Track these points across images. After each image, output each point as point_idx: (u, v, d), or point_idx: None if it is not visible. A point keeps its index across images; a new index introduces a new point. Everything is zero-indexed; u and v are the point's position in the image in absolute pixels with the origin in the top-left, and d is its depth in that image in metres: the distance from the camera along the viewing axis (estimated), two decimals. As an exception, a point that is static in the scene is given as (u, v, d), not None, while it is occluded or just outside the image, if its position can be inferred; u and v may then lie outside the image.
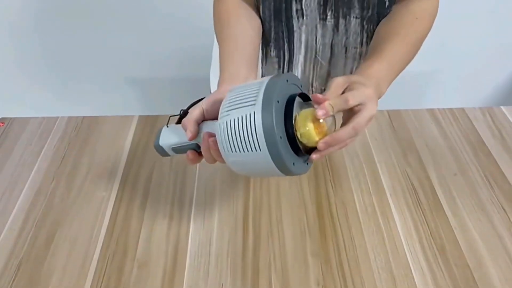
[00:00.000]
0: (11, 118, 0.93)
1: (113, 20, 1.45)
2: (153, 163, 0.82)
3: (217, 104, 0.53)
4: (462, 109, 0.94)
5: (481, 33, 1.51)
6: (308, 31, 0.74)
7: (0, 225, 0.72)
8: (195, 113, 0.56)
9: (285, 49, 0.78)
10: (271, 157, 0.47)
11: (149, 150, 0.85)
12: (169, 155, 0.62)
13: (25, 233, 0.70)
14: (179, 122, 0.61)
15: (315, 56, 0.79)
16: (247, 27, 0.69)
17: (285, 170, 0.49)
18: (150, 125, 0.91)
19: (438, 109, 0.95)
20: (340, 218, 0.72)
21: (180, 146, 0.60)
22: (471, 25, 1.49)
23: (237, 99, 0.48)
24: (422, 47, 1.48)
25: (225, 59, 0.65)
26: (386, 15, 0.73)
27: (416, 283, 0.63)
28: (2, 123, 0.92)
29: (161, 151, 0.62)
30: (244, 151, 0.47)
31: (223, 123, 0.48)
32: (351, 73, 0.82)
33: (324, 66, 0.80)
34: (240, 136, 0.47)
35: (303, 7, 0.71)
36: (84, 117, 0.94)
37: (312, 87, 0.85)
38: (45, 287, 0.63)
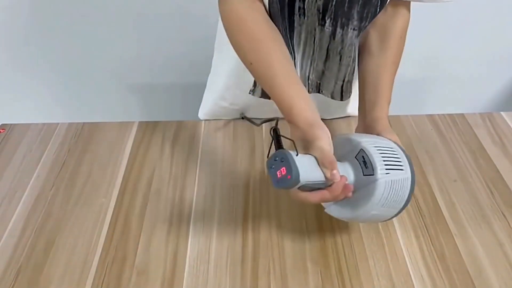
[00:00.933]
0: (11, 125, 0.94)
1: (113, 26, 1.46)
2: (152, 169, 0.83)
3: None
4: (462, 115, 0.94)
5: (481, 38, 1.51)
6: (307, 30, 0.74)
7: (-1, 232, 0.72)
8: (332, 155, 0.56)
9: (287, 44, 0.77)
10: (401, 211, 0.60)
11: (149, 156, 0.85)
12: (290, 188, 0.53)
13: (24, 239, 0.70)
14: (278, 144, 0.60)
15: (312, 54, 0.78)
16: (280, 41, 0.68)
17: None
18: (150, 131, 0.91)
19: (438, 114, 0.95)
20: (340, 224, 0.72)
21: (313, 183, 0.54)
22: (471, 30, 1.49)
23: (389, 160, 0.56)
24: (422, 53, 1.49)
25: (288, 87, 0.63)
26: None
27: (416, 290, 0.63)
28: (3, 129, 0.92)
29: (291, 184, 0.51)
30: (389, 207, 0.57)
31: (385, 181, 0.55)
32: (344, 78, 0.81)
33: (320, 65, 0.80)
34: (394, 195, 0.56)
35: (305, 6, 0.71)
36: (84, 123, 0.94)
37: (308, 80, 0.84)
38: (44, 294, 0.63)
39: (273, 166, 0.50)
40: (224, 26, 0.70)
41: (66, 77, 1.61)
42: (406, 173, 0.57)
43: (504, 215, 0.73)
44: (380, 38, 0.76)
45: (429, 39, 1.49)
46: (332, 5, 0.69)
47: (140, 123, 0.94)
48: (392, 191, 0.55)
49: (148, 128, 0.92)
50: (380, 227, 0.71)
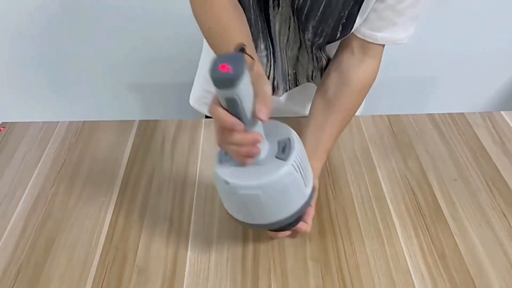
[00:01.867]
0: (11, 123, 0.94)
1: (113, 25, 1.46)
2: (153, 168, 0.83)
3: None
4: (462, 114, 0.94)
5: (481, 37, 1.51)
6: (282, 19, 0.72)
7: (0, 230, 0.72)
8: None
9: (269, 40, 0.76)
10: (272, 224, 0.56)
11: (149, 155, 0.85)
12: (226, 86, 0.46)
13: (24, 238, 0.70)
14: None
15: (287, 41, 0.77)
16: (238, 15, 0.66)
17: None
18: (150, 130, 0.91)
19: (438, 114, 0.95)
20: (340, 223, 0.72)
21: (238, 108, 0.49)
22: (471, 30, 1.49)
23: (302, 168, 0.55)
24: (422, 53, 1.49)
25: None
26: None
27: (417, 289, 0.63)
28: (3, 127, 0.92)
29: (230, 81, 0.46)
30: (272, 202, 0.54)
31: (290, 172, 0.52)
32: (312, 74, 0.82)
33: (294, 49, 0.79)
34: (287, 194, 0.55)
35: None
36: (84, 122, 0.94)
37: (288, 75, 0.84)
38: (45, 293, 0.63)
39: (221, 60, 0.46)
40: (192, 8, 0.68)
41: (67, 77, 1.61)
42: (306, 190, 0.56)
43: (504, 214, 0.73)
44: (338, 85, 0.72)
45: (429, 38, 1.50)
46: (295, 9, 0.68)
47: (141, 122, 0.94)
48: (289, 188, 0.53)
49: (149, 127, 0.92)
50: (381, 226, 0.71)
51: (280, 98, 0.89)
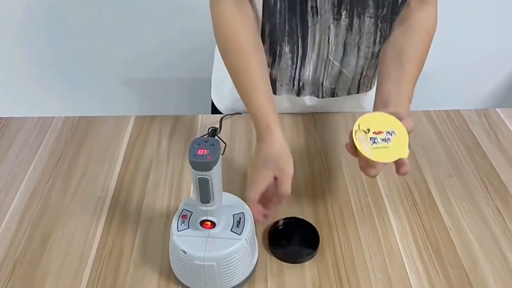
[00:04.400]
0: (7, 118, 0.93)
1: (110, 21, 1.45)
2: (150, 163, 0.82)
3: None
4: (458, 111, 0.95)
5: (477, 35, 1.52)
6: (321, 30, 0.74)
7: (-5, 225, 0.72)
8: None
9: (299, 45, 0.77)
10: None
11: (146, 151, 0.85)
12: (202, 169, 0.53)
13: (20, 233, 0.70)
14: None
15: (327, 56, 0.79)
16: (260, 56, 0.72)
17: None
18: (147, 125, 0.91)
19: (434, 111, 0.95)
20: (336, 218, 0.72)
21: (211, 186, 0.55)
22: (467, 27, 1.50)
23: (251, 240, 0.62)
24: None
25: (262, 106, 0.69)
26: (399, 13, 0.73)
27: (412, 284, 0.63)
28: (-2, 122, 0.92)
29: (206, 165, 0.53)
30: (225, 273, 0.59)
31: (244, 246, 0.59)
32: (362, 72, 0.82)
33: (335, 65, 0.80)
34: (235, 267, 0.60)
35: (317, 5, 0.71)
36: (80, 117, 0.93)
37: (322, 86, 0.85)
38: (41, 287, 0.63)
39: (199, 144, 0.53)
40: (213, 24, 0.72)
41: (63, 71, 1.61)
42: (253, 260, 0.62)
43: (498, 210, 0.73)
44: (404, 33, 0.74)
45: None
46: None
47: (137, 117, 0.93)
48: (241, 260, 0.59)
49: (145, 122, 0.92)
50: (376, 221, 0.72)
51: (305, 98, 0.90)
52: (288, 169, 0.64)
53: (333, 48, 0.77)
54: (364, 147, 0.60)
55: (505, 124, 0.92)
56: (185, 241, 0.58)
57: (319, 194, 0.76)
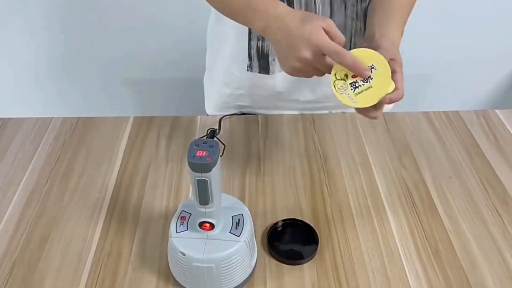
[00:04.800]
0: (5, 119, 0.93)
1: (108, 21, 1.45)
2: (148, 164, 0.82)
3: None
4: (457, 112, 0.95)
5: (476, 36, 1.52)
6: None
7: (-7, 227, 0.71)
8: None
9: None
10: None
11: (144, 152, 0.85)
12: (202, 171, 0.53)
13: (18, 234, 0.70)
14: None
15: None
16: None
17: None
18: (145, 126, 0.91)
19: (433, 112, 0.95)
20: (335, 220, 0.72)
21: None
22: (466, 28, 1.50)
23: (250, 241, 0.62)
24: (417, 51, 1.49)
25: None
26: None
27: (411, 285, 0.63)
28: (-4, 123, 0.91)
29: (206, 166, 0.52)
30: (224, 274, 0.59)
31: (243, 248, 0.59)
32: (351, 39, 0.80)
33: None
34: (234, 268, 0.59)
35: None
36: (79, 117, 0.93)
37: None
38: (39, 289, 0.63)
39: (198, 145, 0.53)
40: None
41: (62, 72, 1.60)
42: (252, 262, 0.62)
43: (497, 211, 0.73)
44: None
45: (424, 37, 1.50)
46: None
47: (135, 118, 0.93)
48: (240, 261, 0.58)
49: (144, 123, 0.92)
50: (376, 223, 0.71)
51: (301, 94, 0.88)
52: (327, 17, 0.58)
53: (320, 7, 0.75)
54: (346, 97, 0.55)
55: (504, 125, 0.92)
56: (183, 242, 0.58)
57: (318, 195, 0.76)
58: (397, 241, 0.69)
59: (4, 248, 0.68)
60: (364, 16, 0.77)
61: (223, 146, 0.81)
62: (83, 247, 0.68)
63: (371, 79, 0.55)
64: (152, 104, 1.73)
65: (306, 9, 0.77)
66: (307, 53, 0.57)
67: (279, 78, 0.88)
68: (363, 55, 0.56)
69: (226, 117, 0.92)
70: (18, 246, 0.68)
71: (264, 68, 0.84)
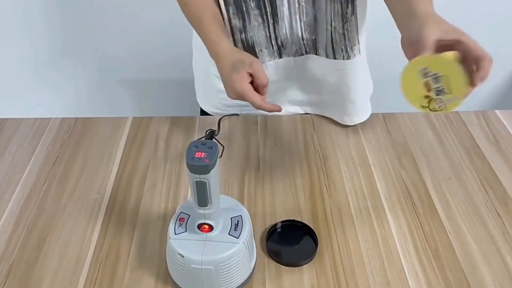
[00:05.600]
0: (3, 119, 0.92)
1: (106, 22, 1.45)
2: (146, 165, 0.82)
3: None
4: (457, 113, 0.95)
5: (476, 36, 1.51)
6: None
7: (-9, 228, 0.71)
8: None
9: (266, 0, 0.76)
10: None
11: (143, 152, 0.85)
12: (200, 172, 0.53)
13: (16, 236, 0.70)
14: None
15: (298, 3, 0.77)
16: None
17: None
18: (144, 126, 0.91)
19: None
20: (335, 221, 0.72)
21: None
22: (466, 28, 1.49)
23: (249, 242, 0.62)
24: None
25: (211, 31, 0.74)
26: None
27: (411, 287, 0.63)
28: (-6, 124, 0.91)
29: (204, 168, 0.52)
30: (224, 275, 0.59)
31: (242, 249, 0.59)
32: (331, 23, 0.79)
33: (309, 11, 0.78)
34: (234, 270, 0.60)
35: None
36: (77, 118, 0.93)
37: (303, 40, 0.82)
38: (36, 291, 0.62)
39: (197, 147, 0.53)
40: None
41: (60, 73, 1.60)
42: (251, 264, 0.62)
43: (497, 213, 0.73)
44: None
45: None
46: None
47: (134, 118, 0.93)
48: (238, 263, 0.58)
49: (142, 123, 0.92)
50: (375, 224, 0.71)
51: (292, 93, 0.89)
52: (254, 61, 0.69)
53: None
54: (451, 102, 0.53)
55: (504, 125, 0.91)
56: (182, 244, 0.58)
57: (317, 196, 0.76)
58: (396, 242, 0.69)
59: (1, 250, 0.67)
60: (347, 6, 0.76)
61: (222, 147, 0.81)
62: (81, 248, 0.68)
63: (435, 74, 0.53)
64: (151, 105, 1.72)
65: (273, 15, 0.77)
66: (233, 96, 0.70)
67: (270, 66, 0.86)
68: (426, 63, 0.54)
69: (225, 117, 0.92)
70: (16, 247, 0.68)
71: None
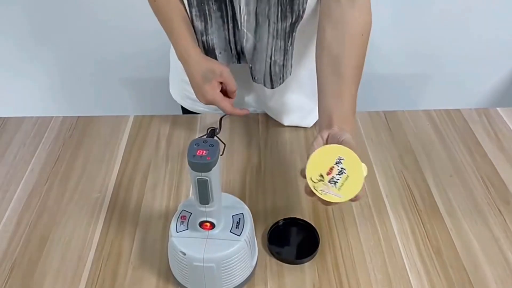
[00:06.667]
0: (5, 118, 0.93)
1: (107, 20, 1.44)
2: (148, 164, 0.82)
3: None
4: (458, 110, 0.94)
5: (477, 34, 1.51)
6: None
7: (-7, 227, 0.71)
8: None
9: (226, 1, 0.75)
10: None
11: (144, 151, 0.85)
12: (201, 170, 0.53)
13: (18, 235, 0.70)
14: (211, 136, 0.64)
15: (239, 28, 0.75)
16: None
17: None
18: (145, 125, 0.91)
19: (434, 110, 0.95)
20: (336, 219, 0.72)
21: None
22: (467, 26, 1.49)
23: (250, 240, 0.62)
24: (419, 49, 1.49)
25: (183, 37, 0.77)
26: None
27: (412, 285, 0.63)
28: (-4, 123, 0.91)
29: (205, 166, 0.52)
30: (225, 273, 0.59)
31: (243, 247, 0.59)
32: (271, 52, 0.77)
33: (249, 38, 0.77)
34: (235, 267, 0.60)
35: None
36: (79, 117, 0.93)
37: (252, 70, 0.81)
38: (39, 289, 0.62)
39: (198, 145, 0.53)
40: None
41: (61, 71, 1.60)
42: (252, 261, 0.62)
43: (499, 211, 0.73)
44: (335, 34, 0.68)
45: (424, 35, 1.49)
46: None
47: (136, 117, 0.93)
48: (240, 261, 0.58)
49: (144, 122, 0.92)
50: (377, 222, 0.71)
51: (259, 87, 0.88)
52: (224, 70, 0.74)
53: (245, 18, 0.74)
54: (333, 195, 0.57)
55: (505, 123, 0.91)
56: (184, 242, 0.58)
57: (319, 194, 0.76)
58: (398, 240, 0.68)
59: (3, 249, 0.68)
60: (284, 35, 0.75)
61: (223, 145, 0.81)
62: (83, 247, 0.68)
63: (344, 169, 0.57)
64: (152, 103, 1.72)
65: (233, 19, 0.76)
66: (204, 102, 0.76)
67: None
68: (326, 151, 0.59)
69: (226, 116, 0.92)
70: (18, 246, 0.68)
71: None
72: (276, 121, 0.91)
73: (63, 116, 0.93)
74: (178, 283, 0.61)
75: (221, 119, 0.85)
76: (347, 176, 0.57)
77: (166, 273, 0.64)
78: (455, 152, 0.84)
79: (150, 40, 1.50)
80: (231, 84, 0.75)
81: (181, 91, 0.96)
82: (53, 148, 0.86)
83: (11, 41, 1.50)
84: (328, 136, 0.63)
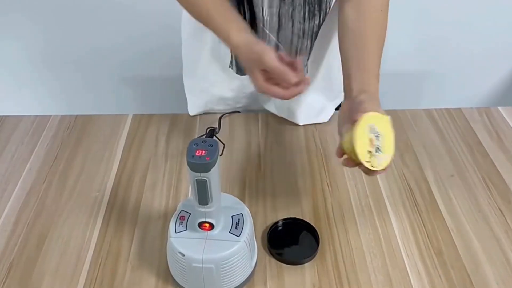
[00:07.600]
0: (3, 117, 0.92)
1: (106, 18, 1.44)
2: (147, 162, 0.81)
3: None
4: (459, 110, 0.94)
5: (478, 33, 1.51)
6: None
7: (-9, 226, 0.71)
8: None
9: (245, 7, 0.74)
10: None
11: (144, 150, 0.84)
12: (201, 170, 0.53)
13: (16, 234, 0.69)
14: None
15: (263, 29, 0.75)
16: None
17: None
18: (144, 124, 0.90)
19: (435, 109, 0.94)
20: (337, 219, 0.71)
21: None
22: (468, 25, 1.49)
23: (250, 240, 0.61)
24: (420, 48, 1.48)
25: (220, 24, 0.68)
26: None
27: (413, 285, 0.62)
28: (-6, 121, 0.91)
29: (205, 166, 0.52)
30: (224, 274, 0.59)
31: (243, 248, 0.58)
32: (296, 52, 0.78)
33: (272, 40, 0.77)
34: (235, 268, 0.59)
35: None
36: (77, 115, 0.92)
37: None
38: (37, 289, 0.62)
39: (197, 145, 0.52)
40: None
41: (60, 70, 1.60)
42: (252, 262, 0.62)
43: (500, 210, 0.73)
44: (356, 12, 0.70)
45: (426, 33, 1.49)
46: None
47: (135, 116, 0.92)
48: (239, 262, 0.58)
49: (143, 121, 0.91)
50: (377, 221, 0.71)
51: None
52: (267, 60, 0.62)
53: (268, 19, 0.74)
54: (383, 160, 0.58)
55: (507, 122, 0.91)
56: (183, 243, 0.57)
57: (319, 194, 0.75)
58: (399, 240, 0.68)
59: (1, 248, 0.67)
60: (311, 34, 0.76)
61: (222, 145, 0.80)
62: (81, 246, 0.67)
63: (378, 132, 0.58)
64: (151, 102, 1.72)
65: (254, 21, 0.75)
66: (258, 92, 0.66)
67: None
68: (360, 130, 0.58)
69: (226, 115, 0.91)
70: (16, 245, 0.68)
71: (242, 72, 0.82)
72: (276, 120, 0.91)
73: (61, 115, 0.92)
74: (177, 284, 0.61)
75: (220, 118, 0.85)
76: (383, 136, 0.58)
77: (165, 273, 0.63)
78: (456, 151, 0.84)
79: (150, 40, 1.50)
80: (276, 72, 0.63)
81: (200, 102, 0.93)
82: (51, 147, 0.85)
83: (9, 40, 1.49)
84: (350, 113, 0.61)
